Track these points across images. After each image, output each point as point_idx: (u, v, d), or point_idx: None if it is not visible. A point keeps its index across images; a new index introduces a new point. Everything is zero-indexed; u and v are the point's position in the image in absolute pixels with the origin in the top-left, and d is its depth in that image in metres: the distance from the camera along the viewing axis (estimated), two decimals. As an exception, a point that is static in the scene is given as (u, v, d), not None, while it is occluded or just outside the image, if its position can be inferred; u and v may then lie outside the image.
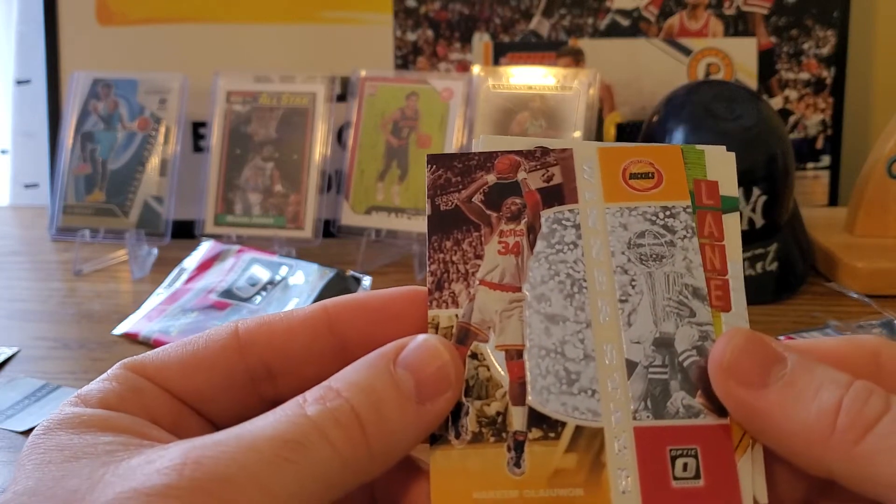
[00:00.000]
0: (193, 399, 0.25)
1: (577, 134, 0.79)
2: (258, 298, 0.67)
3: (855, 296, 0.72)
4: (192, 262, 0.75)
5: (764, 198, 0.71)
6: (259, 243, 0.78)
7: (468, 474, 0.23)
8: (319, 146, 0.85)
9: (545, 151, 0.26)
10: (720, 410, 0.23)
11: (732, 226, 0.26)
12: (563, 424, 0.23)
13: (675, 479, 0.22)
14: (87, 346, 0.65)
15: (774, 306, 0.72)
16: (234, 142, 0.86)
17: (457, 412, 0.24)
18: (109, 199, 0.85)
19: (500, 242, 0.25)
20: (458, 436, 0.23)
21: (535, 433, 0.23)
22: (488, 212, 0.26)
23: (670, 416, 0.23)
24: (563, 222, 0.26)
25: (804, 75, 0.93)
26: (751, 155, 0.71)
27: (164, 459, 0.20)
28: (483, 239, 0.25)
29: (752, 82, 0.91)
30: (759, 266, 0.73)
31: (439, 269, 0.25)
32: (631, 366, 0.24)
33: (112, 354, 0.64)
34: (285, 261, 0.71)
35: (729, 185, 0.27)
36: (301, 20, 0.94)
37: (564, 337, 0.24)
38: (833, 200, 0.94)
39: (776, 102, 0.93)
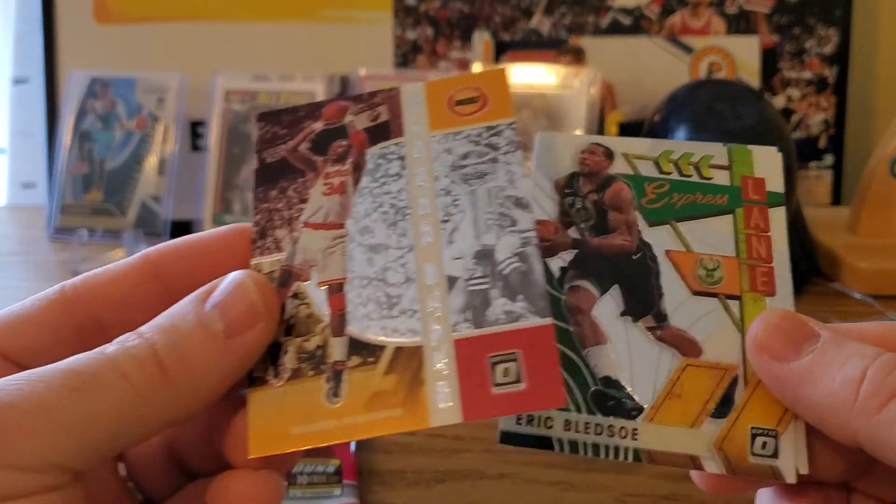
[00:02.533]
0: (22, 356, 0.24)
1: (579, 133, 0.79)
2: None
3: (858, 296, 0.72)
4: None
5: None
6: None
7: (286, 411, 0.23)
8: (319, 145, 0.84)
9: (373, 94, 0.27)
10: (542, 312, 0.23)
11: (778, 218, 0.28)
12: (382, 348, 0.24)
13: (496, 385, 0.23)
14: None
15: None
16: (232, 141, 0.86)
17: (276, 352, 0.24)
18: (107, 199, 0.85)
19: (325, 185, 0.26)
20: (276, 375, 0.24)
21: (354, 360, 0.24)
22: (314, 157, 0.26)
23: (489, 323, 0.24)
24: (388, 156, 0.27)
25: (806, 74, 0.92)
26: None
27: None
28: (308, 184, 0.26)
29: (754, 81, 0.91)
30: (761, 266, 0.72)
31: (263, 218, 0.26)
32: (452, 281, 0.24)
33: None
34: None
35: (775, 182, 0.28)
36: (300, 18, 0.93)
37: (386, 264, 0.25)
38: (836, 200, 0.94)
39: (778, 101, 0.92)
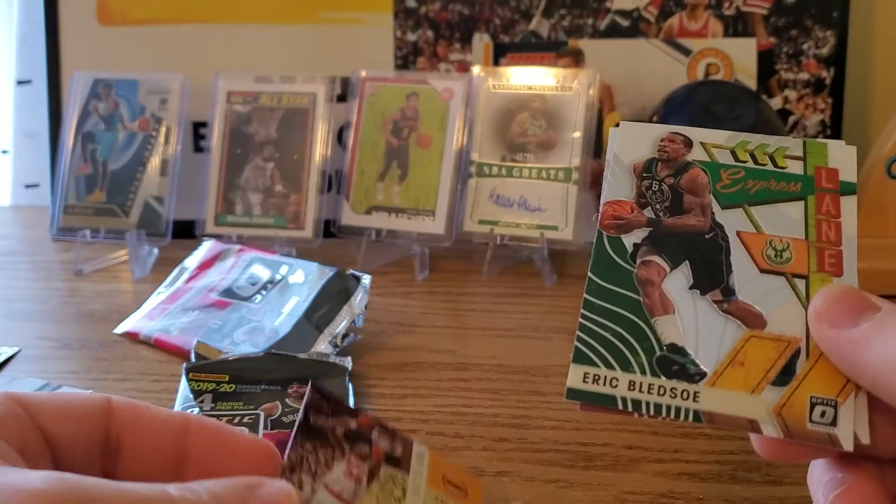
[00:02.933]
0: (57, 443, 0.26)
1: (577, 134, 0.80)
2: (258, 297, 0.67)
3: (854, 296, 0.72)
4: (192, 261, 0.75)
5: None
6: (259, 243, 0.78)
7: None
8: (320, 146, 0.85)
9: (395, 433, 0.28)
10: None
11: (849, 207, 0.29)
12: None
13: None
14: (89, 345, 0.65)
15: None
16: (234, 142, 0.86)
17: None
18: (110, 200, 0.85)
19: (347, 467, 0.27)
20: None
21: None
22: (344, 444, 0.28)
23: None
24: (395, 480, 0.28)
25: (804, 75, 0.93)
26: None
27: (42, 472, 0.22)
28: (335, 458, 0.27)
29: (751, 82, 0.91)
30: (758, 266, 0.73)
31: (297, 458, 0.27)
32: None
33: (113, 354, 0.64)
34: (285, 260, 0.71)
35: (849, 173, 0.30)
36: (301, 20, 0.94)
37: None
38: (832, 200, 0.94)
39: (776, 102, 0.93)
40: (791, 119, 0.93)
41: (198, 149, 0.94)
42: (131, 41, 0.95)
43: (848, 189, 0.30)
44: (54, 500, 0.21)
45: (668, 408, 0.26)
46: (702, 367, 0.27)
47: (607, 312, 0.28)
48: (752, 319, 0.27)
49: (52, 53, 0.95)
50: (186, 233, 0.85)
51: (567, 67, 0.90)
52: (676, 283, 0.28)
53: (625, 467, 0.46)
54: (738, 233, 0.29)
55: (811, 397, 0.26)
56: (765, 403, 0.26)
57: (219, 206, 0.86)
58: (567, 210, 0.78)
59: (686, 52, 0.92)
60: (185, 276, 0.74)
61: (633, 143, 0.31)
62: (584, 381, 0.27)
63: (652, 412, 0.26)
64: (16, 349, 0.64)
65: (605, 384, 0.26)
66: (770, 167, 0.30)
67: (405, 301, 0.74)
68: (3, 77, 1.04)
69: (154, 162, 0.85)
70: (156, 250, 0.84)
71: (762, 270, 0.28)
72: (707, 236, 0.29)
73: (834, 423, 0.25)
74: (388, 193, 0.83)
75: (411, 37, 0.94)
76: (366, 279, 0.64)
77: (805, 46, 0.92)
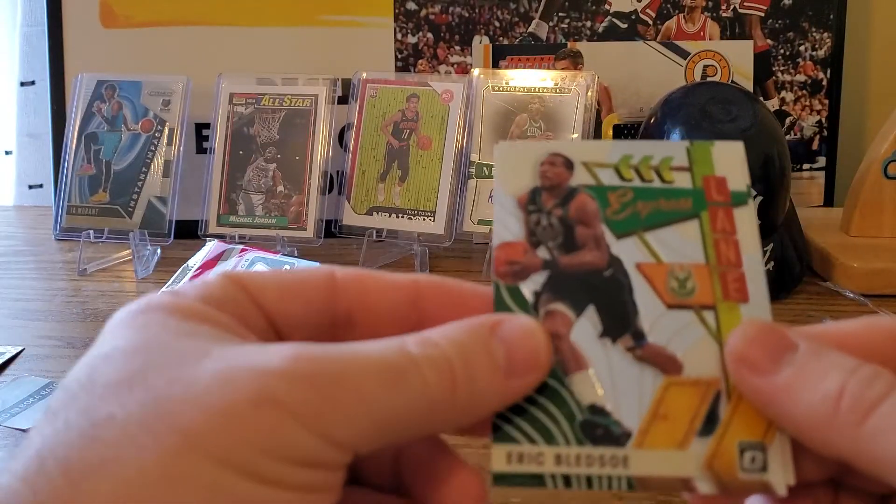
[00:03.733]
0: (282, 323, 0.26)
1: (576, 136, 0.80)
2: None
3: (851, 295, 0.73)
4: (195, 261, 0.76)
5: (760, 198, 0.72)
6: (262, 243, 0.79)
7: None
8: (321, 147, 0.85)
9: None
10: None
11: (746, 218, 0.27)
12: None
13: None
14: (92, 345, 0.66)
15: (771, 306, 0.73)
16: (236, 143, 0.87)
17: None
18: (113, 200, 0.86)
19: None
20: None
21: None
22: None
23: None
24: None
25: (800, 77, 0.93)
26: (747, 156, 0.72)
27: (278, 348, 0.22)
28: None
29: (748, 84, 0.92)
30: (755, 266, 0.73)
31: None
32: None
33: (117, 352, 0.64)
34: (288, 259, 0.72)
35: (738, 180, 0.27)
36: (303, 23, 0.95)
37: None
38: (829, 201, 0.95)
39: (772, 104, 0.93)
40: (788, 120, 0.94)
41: (200, 150, 0.95)
42: (134, 43, 0.95)
43: (739, 199, 0.27)
44: (299, 380, 0.21)
45: (600, 479, 0.24)
46: (626, 426, 0.24)
47: None
48: (667, 363, 0.25)
49: (55, 55, 0.96)
50: (189, 233, 0.85)
51: (565, 69, 0.90)
52: (584, 332, 0.25)
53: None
54: (637, 265, 0.26)
55: (739, 443, 0.24)
56: (694, 458, 0.24)
57: (221, 207, 0.86)
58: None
59: (683, 54, 0.92)
60: (188, 275, 0.74)
61: (513, 170, 0.28)
62: (508, 463, 0.24)
63: (584, 486, 0.24)
64: (19, 348, 0.65)
65: (530, 462, 0.24)
66: (658, 183, 0.27)
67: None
68: (6, 78, 1.05)
69: (157, 163, 0.86)
70: (159, 250, 0.84)
71: (669, 306, 0.26)
72: (606, 273, 0.26)
73: (764, 468, 0.24)
74: (389, 194, 0.84)
75: (411, 39, 0.94)
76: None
77: (802, 48, 0.93)
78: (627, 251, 0.26)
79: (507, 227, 0.27)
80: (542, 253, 0.27)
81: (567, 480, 0.24)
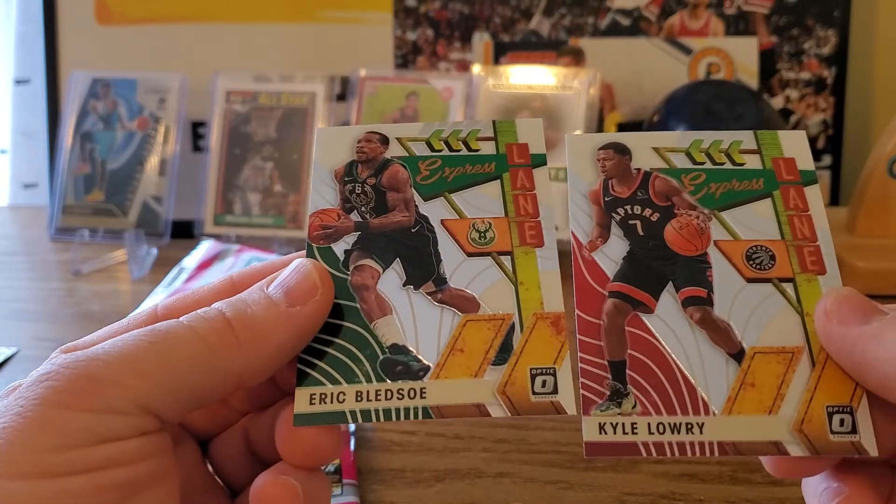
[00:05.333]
0: None
1: (578, 133, 0.79)
2: (257, 298, 0.67)
3: (856, 296, 0.72)
4: (191, 261, 0.75)
5: (765, 197, 0.71)
6: (258, 243, 0.78)
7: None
8: (319, 146, 0.84)
9: None
10: None
11: (815, 196, 0.29)
12: None
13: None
14: (86, 346, 0.65)
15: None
16: (233, 141, 0.86)
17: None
18: (108, 199, 0.85)
19: None
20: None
21: None
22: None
23: None
24: None
25: (805, 75, 0.92)
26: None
27: (44, 363, 0.24)
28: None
29: (752, 82, 0.91)
30: (759, 266, 0.73)
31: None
32: None
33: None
34: (285, 261, 0.71)
35: (805, 161, 0.30)
36: (300, 20, 0.94)
37: None
38: (834, 200, 0.94)
39: (777, 102, 0.92)
40: (792, 118, 0.93)
41: (196, 148, 0.94)
42: (130, 40, 0.94)
43: (809, 178, 0.30)
44: (59, 372, 0.22)
45: (398, 410, 0.26)
46: (424, 361, 0.27)
47: (328, 326, 0.27)
48: (465, 304, 0.28)
49: (50, 53, 0.95)
50: (185, 232, 0.85)
51: (568, 66, 0.89)
52: (390, 282, 0.28)
53: (625, 468, 0.46)
54: (441, 221, 0.29)
55: (531, 369, 0.26)
56: (488, 386, 0.26)
57: (217, 206, 0.85)
58: (567, 210, 0.78)
59: (687, 51, 0.91)
60: (184, 276, 0.73)
61: (332, 148, 0.31)
62: (311, 404, 0.26)
63: (382, 418, 0.26)
64: (14, 349, 0.64)
65: (332, 401, 0.26)
66: (465, 152, 0.31)
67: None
68: (1, 76, 1.04)
69: (152, 161, 0.85)
70: (154, 250, 0.83)
71: (469, 254, 0.29)
72: (413, 230, 0.29)
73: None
74: (388, 193, 0.83)
75: (411, 36, 0.93)
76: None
77: (806, 46, 0.92)
78: (434, 210, 0.29)
79: (323, 196, 0.30)
80: (355, 217, 0.30)
81: (366, 415, 0.26)
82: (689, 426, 0.26)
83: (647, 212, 0.29)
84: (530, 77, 0.82)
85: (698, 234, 0.29)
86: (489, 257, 0.28)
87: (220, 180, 0.86)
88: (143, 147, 0.86)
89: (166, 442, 0.24)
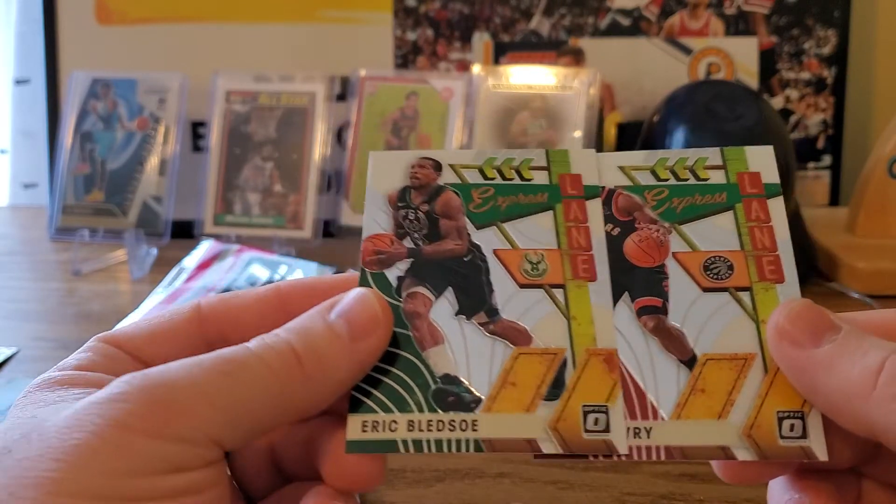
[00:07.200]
0: (157, 363, 0.27)
1: (578, 134, 0.79)
2: (257, 298, 0.67)
3: (856, 296, 0.72)
4: (191, 261, 0.75)
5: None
6: (258, 243, 0.78)
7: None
8: (319, 146, 0.85)
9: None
10: None
11: (777, 208, 0.29)
12: None
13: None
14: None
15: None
16: (233, 141, 0.86)
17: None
18: (108, 199, 0.85)
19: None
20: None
21: None
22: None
23: None
24: None
25: (805, 75, 0.92)
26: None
27: (117, 380, 0.23)
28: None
29: (752, 82, 0.91)
30: (759, 266, 0.73)
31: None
32: None
33: (111, 355, 0.63)
34: (284, 260, 0.71)
35: (770, 174, 0.30)
36: (300, 20, 0.94)
37: None
38: (834, 200, 0.94)
39: (777, 102, 0.92)
40: (792, 119, 0.93)
41: (196, 148, 0.94)
42: (130, 40, 0.94)
43: (773, 191, 0.30)
44: (136, 397, 0.22)
45: (449, 442, 0.26)
46: (476, 393, 0.27)
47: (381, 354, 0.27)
48: (518, 336, 0.27)
49: (50, 52, 0.95)
50: (185, 233, 0.84)
51: (568, 66, 0.89)
52: (442, 311, 0.28)
53: (625, 468, 0.46)
54: (494, 251, 0.29)
55: (582, 406, 0.26)
56: (539, 421, 0.26)
57: (217, 206, 0.85)
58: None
59: (687, 51, 0.91)
60: (184, 276, 0.73)
61: (385, 173, 0.31)
62: (363, 431, 0.26)
63: (434, 449, 0.26)
64: (14, 350, 0.64)
65: (384, 430, 0.26)
66: (517, 181, 0.30)
67: (405, 301, 0.73)
68: (1, 76, 1.04)
69: (152, 161, 0.85)
70: (154, 250, 0.83)
71: (521, 285, 0.28)
72: (466, 259, 0.29)
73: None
74: (388, 193, 0.83)
75: (411, 36, 0.93)
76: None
77: (806, 45, 0.92)
78: (486, 239, 0.29)
79: (376, 220, 0.30)
80: (408, 243, 0.29)
81: (418, 445, 0.26)
82: (637, 431, 0.26)
83: (609, 226, 0.29)
84: (530, 77, 0.82)
85: (657, 247, 0.29)
86: (541, 290, 0.28)
87: (220, 180, 0.86)
88: (143, 147, 0.86)
89: (225, 471, 0.24)
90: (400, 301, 0.28)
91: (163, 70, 0.88)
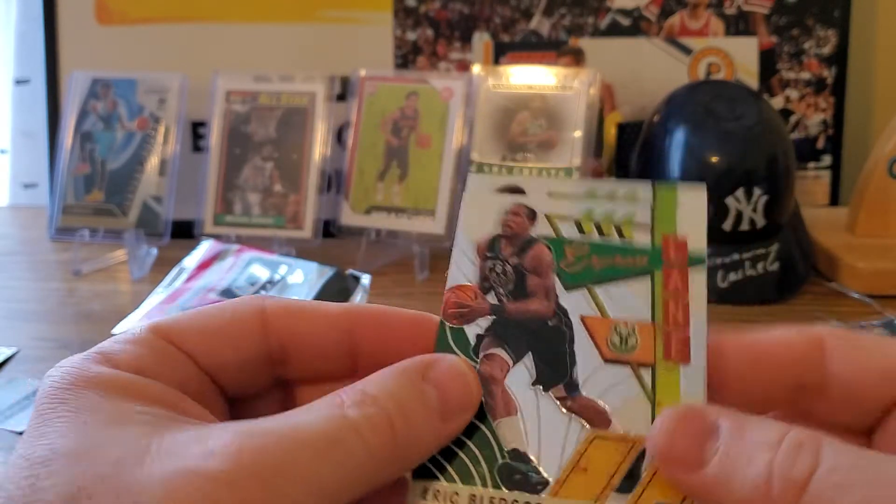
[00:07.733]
0: (215, 370, 0.25)
1: (578, 134, 0.79)
2: (258, 298, 0.67)
3: (856, 296, 0.72)
4: (191, 261, 0.75)
5: (765, 198, 0.71)
6: (258, 243, 0.78)
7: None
8: (319, 146, 0.84)
9: None
10: None
11: (698, 280, 0.27)
12: None
13: None
14: (87, 346, 0.64)
15: (776, 306, 0.72)
16: (233, 141, 0.86)
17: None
18: (108, 199, 0.85)
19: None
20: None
21: None
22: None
23: None
24: None
25: (805, 75, 0.92)
26: (752, 155, 0.71)
27: (215, 441, 0.21)
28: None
29: (752, 82, 0.91)
30: (760, 266, 0.73)
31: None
32: None
33: (111, 355, 0.63)
34: (284, 260, 0.71)
35: (698, 239, 0.27)
36: (300, 19, 0.94)
37: None
38: (834, 200, 0.94)
39: (777, 102, 0.92)
40: (792, 119, 0.93)
41: (196, 148, 0.94)
42: (130, 40, 0.94)
43: (697, 260, 0.27)
44: (243, 480, 0.21)
45: None
46: (544, 475, 0.25)
47: None
48: (596, 417, 0.26)
49: (50, 52, 0.95)
50: (185, 233, 0.84)
51: (568, 66, 0.89)
52: (519, 378, 0.26)
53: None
54: (581, 317, 0.27)
55: (656, 503, 0.24)
56: None
57: (217, 206, 0.85)
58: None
59: (687, 51, 0.91)
60: (184, 276, 0.73)
61: (478, 215, 0.29)
62: (423, 497, 0.25)
63: None
64: (14, 350, 0.64)
65: (445, 500, 0.25)
66: (615, 239, 0.28)
67: (405, 301, 0.73)
68: (1, 76, 1.04)
69: (153, 161, 0.85)
70: (154, 250, 0.83)
71: (606, 360, 0.26)
72: (550, 323, 0.27)
73: None
74: (388, 193, 0.83)
75: (411, 36, 0.93)
76: (365, 279, 0.63)
77: (806, 45, 0.92)
78: (574, 303, 0.27)
79: (462, 270, 0.28)
80: (492, 298, 0.28)
81: None
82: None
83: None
84: (530, 77, 0.82)
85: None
86: (628, 367, 0.26)
87: (220, 180, 0.86)
88: (143, 147, 0.86)
89: None
90: (477, 361, 0.26)
91: (163, 70, 0.88)
